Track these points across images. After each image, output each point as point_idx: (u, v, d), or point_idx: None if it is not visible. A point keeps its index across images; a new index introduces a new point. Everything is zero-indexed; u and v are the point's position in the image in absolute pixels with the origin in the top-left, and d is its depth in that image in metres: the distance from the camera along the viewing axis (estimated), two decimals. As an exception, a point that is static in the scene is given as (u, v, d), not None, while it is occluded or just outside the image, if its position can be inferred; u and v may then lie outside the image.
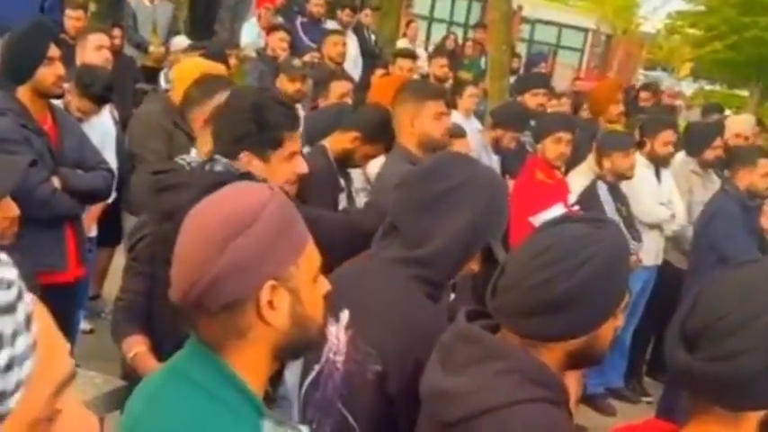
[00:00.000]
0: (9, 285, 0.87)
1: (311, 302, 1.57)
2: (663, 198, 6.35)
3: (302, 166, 2.92)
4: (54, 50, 3.92)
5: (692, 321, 1.50)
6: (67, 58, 4.12)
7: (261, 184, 1.65)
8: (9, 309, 0.85)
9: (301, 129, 5.41)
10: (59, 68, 3.94)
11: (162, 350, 2.84)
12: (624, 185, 6.02)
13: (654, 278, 6.44)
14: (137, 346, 2.90)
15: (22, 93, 3.92)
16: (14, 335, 0.85)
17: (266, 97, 2.88)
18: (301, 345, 1.60)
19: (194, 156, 3.13)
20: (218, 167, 2.78)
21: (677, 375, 1.52)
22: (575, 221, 1.89)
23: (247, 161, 2.78)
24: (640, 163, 6.14)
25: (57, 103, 4.26)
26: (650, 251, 6.25)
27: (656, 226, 6.30)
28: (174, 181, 2.78)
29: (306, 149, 4.30)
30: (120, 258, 3.57)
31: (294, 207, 1.60)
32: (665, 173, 6.45)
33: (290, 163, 2.86)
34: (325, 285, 1.64)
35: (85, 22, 7.67)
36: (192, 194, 2.66)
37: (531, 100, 7.37)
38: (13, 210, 2.74)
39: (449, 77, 9.30)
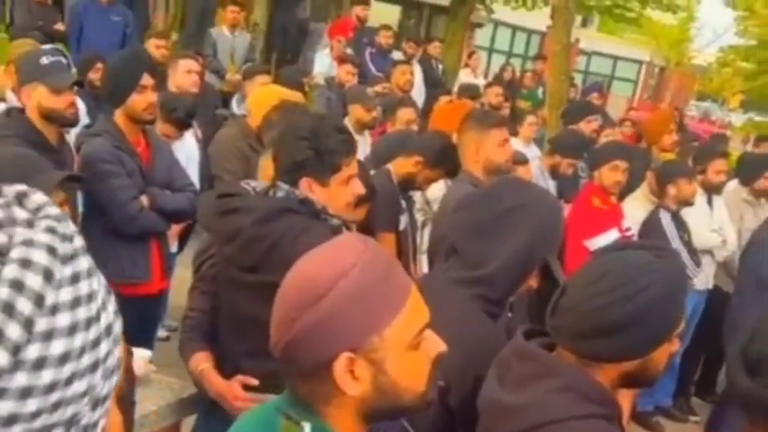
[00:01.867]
0: (71, 239, 0.89)
1: (403, 372, 1.42)
2: (714, 225, 6.28)
3: (359, 188, 2.89)
4: (147, 79, 3.99)
5: (755, 347, 1.48)
6: (157, 83, 4.20)
7: (355, 241, 1.46)
8: (70, 258, 0.87)
9: (367, 153, 5.49)
10: (152, 96, 4.01)
11: (225, 365, 2.87)
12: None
13: (704, 302, 6.36)
14: (202, 363, 2.89)
15: (119, 116, 4.01)
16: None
17: (323, 124, 2.84)
18: (393, 411, 1.48)
19: (259, 181, 3.13)
20: (280, 193, 2.77)
21: (738, 399, 1.50)
22: (636, 248, 1.87)
23: (307, 187, 2.75)
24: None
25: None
26: (701, 276, 6.17)
27: (707, 251, 6.22)
28: (236, 205, 2.78)
29: (372, 172, 4.33)
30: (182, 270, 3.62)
31: (387, 270, 1.42)
32: (716, 200, 6.39)
33: (348, 186, 2.82)
34: (433, 348, 1.47)
35: (168, 50, 7.82)
36: (253, 218, 2.70)
37: (587, 127, 7.34)
38: None
39: (503, 106, 9.30)
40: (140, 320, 3.91)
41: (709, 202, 6.35)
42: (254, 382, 2.72)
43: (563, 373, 1.81)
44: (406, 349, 1.42)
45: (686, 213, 6.02)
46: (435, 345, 1.48)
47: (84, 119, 5.58)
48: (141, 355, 3.36)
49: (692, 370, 6.90)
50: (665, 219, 5.82)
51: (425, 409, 1.53)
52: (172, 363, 3.27)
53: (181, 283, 3.30)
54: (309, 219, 2.66)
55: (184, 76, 5.69)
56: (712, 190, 6.34)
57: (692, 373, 6.95)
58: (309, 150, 2.74)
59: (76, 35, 9.25)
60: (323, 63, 10.24)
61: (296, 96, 4.54)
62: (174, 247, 4.78)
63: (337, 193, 2.79)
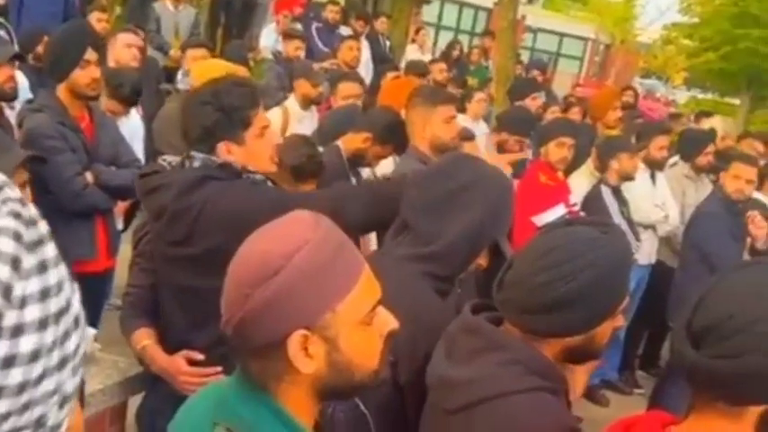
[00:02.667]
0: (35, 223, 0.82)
1: (356, 349, 1.41)
2: (657, 200, 6.39)
3: (276, 137, 2.87)
4: (91, 54, 3.92)
5: (700, 319, 1.51)
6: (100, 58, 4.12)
7: (307, 218, 1.43)
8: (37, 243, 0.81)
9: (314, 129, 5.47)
10: (95, 72, 3.94)
11: (169, 340, 2.85)
12: (622, 187, 6.07)
13: (647, 277, 6.48)
14: (144, 339, 2.87)
15: (61, 91, 3.94)
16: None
17: (222, 83, 2.79)
18: (345, 389, 1.46)
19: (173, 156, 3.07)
20: (196, 163, 2.74)
21: (683, 370, 1.53)
22: (582, 224, 1.90)
23: (225, 150, 2.72)
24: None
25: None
26: (644, 251, 6.29)
27: (650, 226, 6.33)
28: (156, 183, 2.77)
29: (320, 149, 4.32)
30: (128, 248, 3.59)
31: (339, 247, 1.41)
32: (659, 176, 6.50)
33: (263, 138, 2.78)
34: (385, 325, 1.47)
35: (109, 24, 7.69)
36: (172, 193, 2.68)
37: (532, 104, 7.40)
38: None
39: (448, 82, 9.31)
40: (86, 299, 3.84)
41: (653, 177, 6.46)
42: (199, 356, 2.72)
43: (509, 347, 1.83)
44: (359, 326, 1.41)
45: (629, 188, 6.13)
46: (387, 321, 1.48)
47: (27, 94, 5.47)
48: (86, 333, 3.32)
49: (636, 344, 7.04)
50: (607, 194, 5.93)
51: (378, 387, 1.53)
52: (117, 341, 3.24)
53: (126, 261, 3.27)
54: (231, 181, 2.63)
55: (124, 50, 5.60)
56: (655, 166, 6.45)
57: (636, 347, 7.09)
58: (216, 112, 2.70)
59: (17, 6, 9.04)
60: (269, 38, 10.15)
61: (241, 71, 4.49)
62: (119, 225, 4.72)
63: (255, 149, 2.76)
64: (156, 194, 2.76)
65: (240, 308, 1.36)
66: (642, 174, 6.29)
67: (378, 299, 1.46)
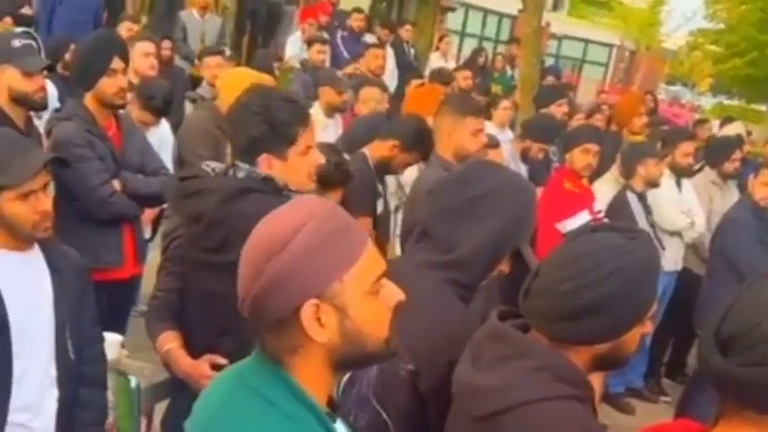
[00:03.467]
0: None
1: (365, 317, 1.49)
2: (683, 207, 6.33)
3: (319, 158, 2.89)
4: (118, 63, 3.93)
5: (728, 327, 1.50)
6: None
7: (312, 199, 1.56)
8: None
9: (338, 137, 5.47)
10: (122, 81, 3.95)
11: (194, 344, 2.86)
12: (647, 194, 6.03)
13: (673, 284, 6.41)
14: (169, 343, 2.89)
15: (89, 100, 3.96)
16: None
17: (273, 96, 2.82)
18: (359, 358, 1.54)
19: (218, 162, 3.10)
20: (241, 174, 2.77)
21: (710, 378, 1.51)
22: (608, 231, 1.88)
23: (267, 163, 2.75)
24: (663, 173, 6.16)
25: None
26: (670, 258, 6.23)
27: (676, 233, 6.28)
28: (198, 187, 2.79)
29: (346, 156, 4.32)
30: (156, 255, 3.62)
31: (343, 221, 1.52)
32: (685, 183, 6.45)
33: (306, 157, 2.81)
34: (392, 296, 1.55)
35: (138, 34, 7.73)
36: (214, 200, 2.69)
37: (557, 110, 7.38)
38: (43, 204, 2.65)
39: (473, 89, 9.30)
40: (113, 305, 3.89)
41: (679, 184, 6.40)
42: (223, 361, 2.72)
43: (537, 354, 1.82)
44: (367, 295, 1.50)
45: (653, 195, 6.08)
46: (394, 293, 1.55)
47: (55, 103, 5.52)
48: (113, 339, 3.35)
49: (662, 351, 6.96)
50: (633, 200, 5.88)
51: (390, 358, 1.61)
52: (144, 348, 3.26)
53: (154, 268, 3.28)
54: (271, 197, 2.64)
55: (142, 59, 5.61)
56: (680, 172, 6.40)
57: (663, 355, 7.01)
58: (264, 125, 2.73)
59: (48, 17, 9.15)
60: (294, 46, 10.19)
61: (267, 80, 4.52)
62: (147, 233, 4.75)
63: (297, 165, 2.79)
64: (195, 199, 2.77)
65: (253, 284, 1.46)
66: (668, 180, 6.25)
67: (383, 270, 1.53)
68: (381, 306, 1.53)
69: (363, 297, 1.49)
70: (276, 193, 2.69)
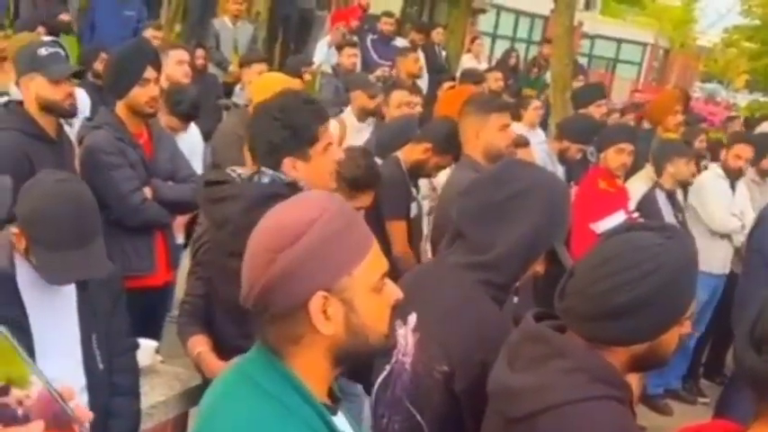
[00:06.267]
0: None
1: (369, 312, 1.53)
2: (735, 209, 6.27)
3: (338, 153, 2.93)
4: (150, 72, 3.95)
5: (762, 325, 1.47)
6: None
7: (322, 194, 1.59)
8: None
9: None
10: (154, 90, 3.97)
11: (222, 347, 2.89)
12: (696, 195, 6.00)
13: (722, 286, 6.34)
14: (199, 346, 2.95)
15: (120, 108, 3.99)
16: None
17: (290, 99, 2.85)
18: (360, 352, 1.57)
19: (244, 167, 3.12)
20: (266, 179, 2.79)
21: (745, 376, 1.48)
22: (645, 230, 1.84)
23: (291, 165, 2.78)
24: (716, 174, 6.24)
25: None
26: (719, 260, 6.18)
27: (726, 236, 6.20)
28: (224, 193, 2.82)
29: (378, 161, 4.31)
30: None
31: (353, 218, 1.55)
32: (740, 185, 6.38)
33: (327, 154, 2.84)
34: (392, 294, 1.59)
35: (166, 42, 7.79)
36: (240, 206, 2.70)
37: (596, 111, 7.34)
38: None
39: (503, 90, 9.28)
40: (146, 312, 3.91)
41: (732, 186, 6.36)
42: None
43: (573, 355, 1.80)
44: (372, 292, 1.53)
45: (705, 196, 6.12)
46: (394, 291, 1.59)
47: (86, 111, 5.56)
48: (148, 345, 3.36)
49: (701, 352, 6.90)
50: (661, 198, 5.82)
51: (388, 352, 1.73)
52: (179, 353, 3.28)
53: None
54: None
55: (175, 67, 5.64)
56: (732, 174, 6.33)
57: (701, 356, 6.95)
58: (284, 129, 2.76)
59: (89, 30, 9.28)
60: (323, 51, 10.22)
61: (297, 84, 4.52)
62: (180, 239, 4.76)
63: (319, 165, 2.82)
64: (221, 204, 2.80)
65: (264, 273, 1.48)
66: (720, 182, 6.24)
67: (386, 269, 1.58)
68: (383, 302, 1.57)
69: (369, 292, 1.53)
70: None
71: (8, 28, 7.45)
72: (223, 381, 1.63)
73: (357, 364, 1.69)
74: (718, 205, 6.15)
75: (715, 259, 6.13)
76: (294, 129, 2.76)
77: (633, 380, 1.97)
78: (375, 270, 1.54)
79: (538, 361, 1.83)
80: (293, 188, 2.72)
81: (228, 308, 2.82)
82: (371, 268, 1.53)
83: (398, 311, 1.83)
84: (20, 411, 1.10)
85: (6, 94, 4.88)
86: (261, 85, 4.60)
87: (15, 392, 1.14)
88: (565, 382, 1.77)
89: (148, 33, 7.63)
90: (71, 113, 3.95)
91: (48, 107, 3.81)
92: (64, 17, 9.27)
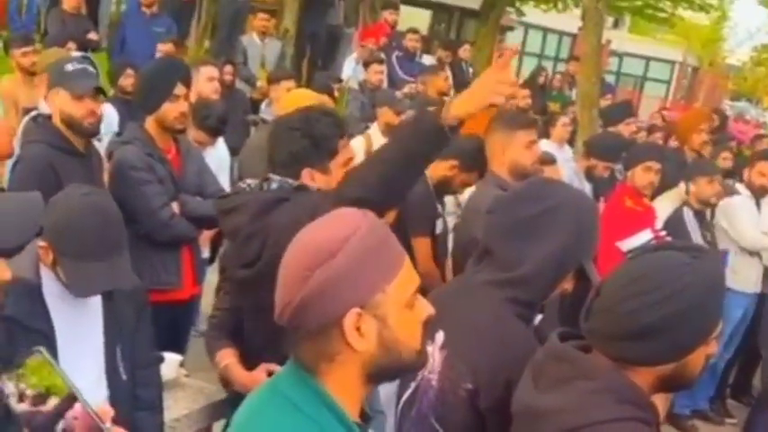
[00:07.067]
0: None
1: (402, 329, 1.53)
2: (764, 227, 6.21)
3: None
4: (180, 88, 3.97)
5: None
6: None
7: (355, 210, 1.59)
8: None
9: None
10: (183, 106, 3.99)
11: (249, 360, 2.89)
12: (724, 213, 5.97)
13: (754, 306, 6.28)
14: (226, 359, 2.95)
15: (150, 123, 4.01)
16: None
17: (311, 111, 2.87)
18: (393, 369, 1.57)
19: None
20: (274, 185, 2.80)
21: None
22: (672, 249, 1.83)
23: (309, 176, 2.78)
24: (743, 192, 6.17)
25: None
26: (750, 279, 6.12)
27: (755, 254, 6.15)
28: (232, 204, 2.84)
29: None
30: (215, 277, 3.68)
31: (386, 234, 1.55)
32: (765, 202, 6.31)
33: (347, 168, 2.83)
34: (424, 310, 1.58)
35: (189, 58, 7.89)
36: (248, 215, 2.71)
37: (626, 129, 7.33)
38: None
39: (530, 108, 9.29)
40: (172, 325, 3.92)
41: (758, 204, 6.30)
42: (279, 368, 2.72)
43: (599, 375, 1.78)
44: (404, 308, 1.53)
45: (728, 213, 6.06)
46: (426, 307, 1.59)
47: (115, 126, 5.60)
48: (172, 359, 3.38)
49: (728, 372, 6.82)
50: (688, 216, 5.79)
51: (420, 369, 1.72)
52: (204, 367, 3.28)
53: (213, 289, 3.33)
54: (304, 204, 2.64)
55: (206, 83, 5.68)
56: (758, 192, 6.29)
57: (728, 375, 6.86)
58: (304, 139, 2.77)
59: (119, 46, 9.37)
60: (349, 68, 10.26)
61: (326, 100, 4.53)
62: (205, 253, 4.78)
63: (338, 178, 2.79)
64: (231, 215, 2.82)
65: (300, 290, 1.47)
66: (748, 200, 6.19)
67: (418, 285, 1.57)
68: (416, 319, 1.57)
69: (402, 308, 1.53)
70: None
71: (38, 43, 7.54)
72: (256, 397, 1.63)
73: (386, 381, 1.68)
74: (748, 224, 6.10)
75: (748, 277, 6.08)
76: (314, 139, 2.77)
77: (659, 400, 1.95)
78: (408, 286, 1.55)
79: (563, 381, 1.82)
80: (300, 191, 2.74)
81: (251, 319, 2.86)
82: (404, 284, 1.54)
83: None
84: (60, 425, 1.11)
85: (35, 108, 4.93)
86: (291, 100, 4.62)
87: (53, 401, 1.15)
88: (590, 403, 1.75)
89: (163, 48, 7.68)
90: (90, 132, 3.88)
91: (69, 123, 3.80)
92: (92, 36, 9.37)
